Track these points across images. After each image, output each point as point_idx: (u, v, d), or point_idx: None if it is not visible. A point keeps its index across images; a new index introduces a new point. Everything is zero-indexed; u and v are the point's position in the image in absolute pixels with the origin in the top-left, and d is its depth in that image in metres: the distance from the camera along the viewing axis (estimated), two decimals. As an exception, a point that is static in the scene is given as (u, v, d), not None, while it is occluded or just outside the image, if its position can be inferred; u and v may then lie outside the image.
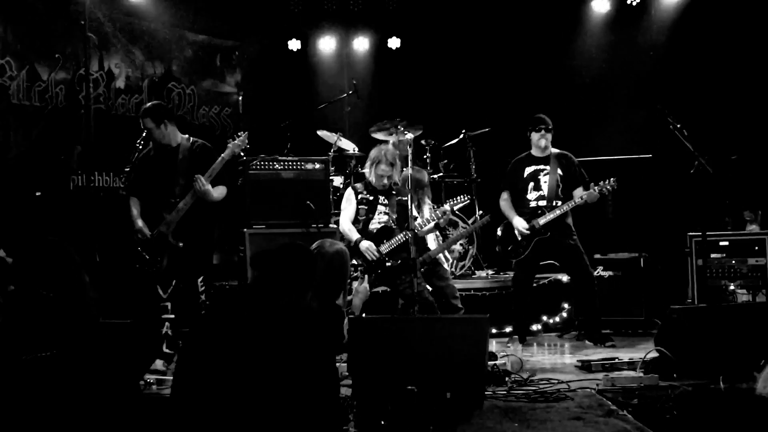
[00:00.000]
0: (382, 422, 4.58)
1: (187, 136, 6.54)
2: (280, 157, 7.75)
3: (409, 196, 6.49)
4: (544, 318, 8.10)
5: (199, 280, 6.33)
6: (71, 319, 3.46)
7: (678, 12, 9.79)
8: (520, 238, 7.18)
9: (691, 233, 7.64)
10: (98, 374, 3.41)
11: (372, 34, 11.22)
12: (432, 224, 6.84)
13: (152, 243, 6.25)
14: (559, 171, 7.20)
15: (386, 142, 7.70)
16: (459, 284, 8.16)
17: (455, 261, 8.91)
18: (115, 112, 8.98)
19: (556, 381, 5.57)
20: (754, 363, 4.80)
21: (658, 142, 7.78)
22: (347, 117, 10.61)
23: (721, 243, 7.57)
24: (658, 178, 6.93)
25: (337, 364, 4.64)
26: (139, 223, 6.31)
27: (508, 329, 7.85)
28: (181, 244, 6.23)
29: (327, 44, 11.25)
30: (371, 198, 6.86)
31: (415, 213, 6.78)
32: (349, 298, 5.32)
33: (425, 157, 9.20)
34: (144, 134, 6.33)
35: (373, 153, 6.86)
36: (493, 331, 7.60)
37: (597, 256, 7.83)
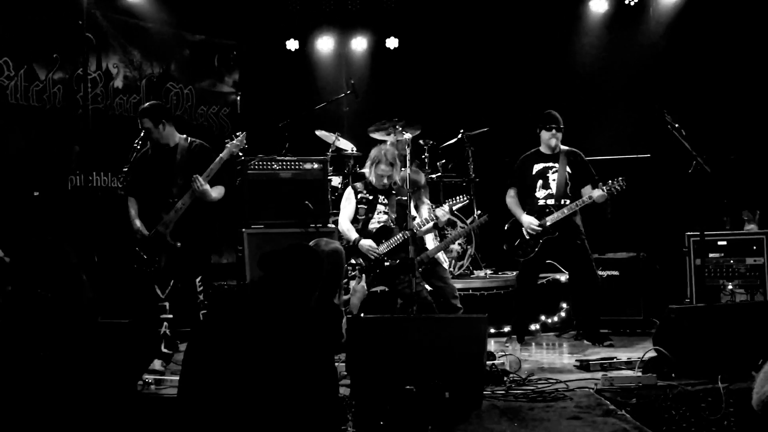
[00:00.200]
0: (381, 422, 4.58)
1: (185, 136, 6.53)
2: (278, 157, 7.75)
3: (408, 196, 6.49)
4: (543, 318, 8.09)
5: (198, 280, 6.33)
6: (68, 318, 3.46)
7: (676, 11, 9.79)
8: (527, 237, 7.13)
9: (689, 233, 7.64)
10: (96, 374, 3.40)
11: (370, 34, 11.21)
12: (431, 224, 6.84)
13: (150, 243, 6.25)
14: (568, 169, 7.15)
15: (384, 142, 7.70)
16: (457, 284, 8.15)
17: (453, 261, 8.91)
18: (113, 112, 8.97)
19: (554, 381, 5.57)
20: (752, 362, 4.80)
21: (656, 142, 7.79)
22: (345, 117, 10.61)
23: (720, 242, 7.57)
24: (657, 178, 6.93)
25: (336, 364, 4.64)
26: (137, 223, 6.31)
27: (506, 329, 7.86)
28: (179, 244, 6.23)
29: (325, 44, 11.24)
30: (371, 197, 6.85)
31: (414, 213, 6.78)
32: (346, 297, 5.32)
33: (423, 157, 9.20)
34: (142, 134, 6.33)
35: (373, 153, 6.85)
36: (492, 330, 7.60)
37: (595, 255, 7.82)
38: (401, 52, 11.02)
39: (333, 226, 7.72)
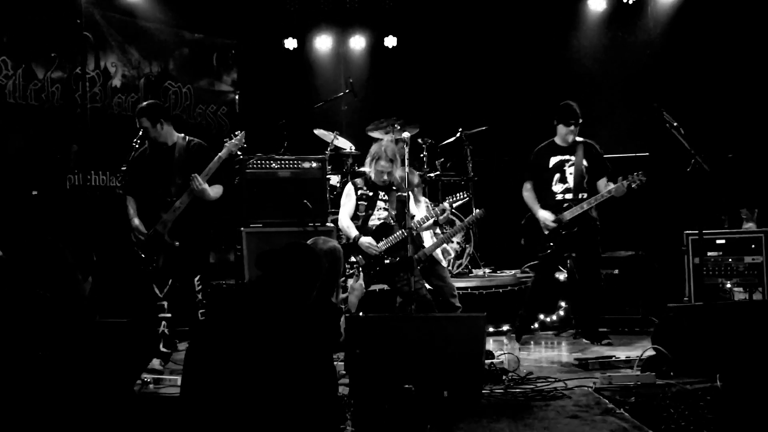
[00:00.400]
0: (380, 421, 4.58)
1: (183, 135, 6.53)
2: (276, 156, 7.74)
3: (407, 194, 6.46)
4: (541, 316, 8.09)
5: (196, 279, 6.32)
6: (64, 318, 3.46)
7: (674, 10, 9.79)
8: (546, 232, 7.05)
9: (687, 231, 7.64)
10: (94, 374, 3.40)
11: (368, 32, 11.21)
12: (431, 221, 6.80)
13: (149, 242, 6.25)
14: (585, 162, 7.07)
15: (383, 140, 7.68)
16: (456, 283, 8.15)
17: (452, 259, 8.91)
18: (111, 111, 8.96)
19: (553, 379, 5.57)
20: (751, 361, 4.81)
21: (654, 141, 7.79)
22: (344, 116, 10.61)
23: (718, 241, 7.57)
24: (655, 177, 6.92)
25: (335, 363, 4.64)
26: (136, 222, 6.31)
27: (505, 327, 7.87)
28: (177, 243, 6.22)
29: (323, 43, 11.24)
30: (371, 194, 6.82)
31: (413, 210, 6.77)
32: (344, 295, 5.32)
33: (422, 155, 9.20)
34: (140, 133, 6.33)
35: (373, 149, 6.82)
36: (490, 329, 7.60)
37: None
38: (400, 50, 11.02)
39: (332, 225, 7.71)
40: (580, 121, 7.06)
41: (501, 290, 8.11)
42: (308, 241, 4.97)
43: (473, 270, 9.19)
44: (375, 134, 8.83)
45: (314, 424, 3.51)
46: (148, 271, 6.27)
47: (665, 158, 6.89)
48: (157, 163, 6.35)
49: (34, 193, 8.00)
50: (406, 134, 6.57)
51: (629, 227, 8.24)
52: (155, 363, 6.04)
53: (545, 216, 7.02)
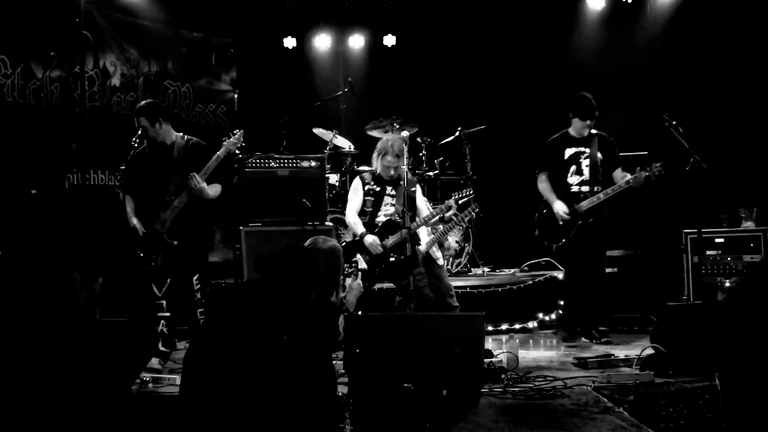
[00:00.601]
0: (379, 420, 4.59)
1: (181, 134, 6.52)
2: (275, 155, 7.75)
3: (404, 194, 6.43)
4: (540, 315, 8.10)
5: (195, 278, 6.33)
6: (61, 317, 3.45)
7: (673, 9, 9.78)
8: (561, 223, 6.98)
9: (686, 230, 7.65)
10: (92, 373, 3.40)
11: (367, 31, 11.20)
12: (437, 217, 6.69)
13: (147, 241, 6.25)
14: (599, 154, 7.01)
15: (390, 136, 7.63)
16: (455, 282, 8.16)
17: (451, 258, 8.91)
18: (110, 110, 8.95)
19: (552, 378, 5.58)
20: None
21: (653, 139, 7.79)
22: (343, 115, 10.62)
23: (717, 240, 7.58)
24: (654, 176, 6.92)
25: (334, 362, 4.64)
26: (134, 221, 6.31)
27: (504, 326, 7.87)
28: (176, 243, 6.22)
29: (322, 42, 11.24)
30: (378, 189, 6.73)
31: (421, 206, 6.73)
32: (343, 294, 5.31)
33: (421, 154, 9.20)
34: (139, 132, 6.33)
35: (380, 144, 6.75)
36: (489, 328, 7.60)
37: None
38: (399, 49, 11.01)
39: (330, 224, 7.73)
40: (596, 114, 7.01)
41: (500, 289, 8.11)
42: (308, 241, 4.97)
43: (472, 269, 9.19)
44: (374, 133, 8.84)
45: (314, 423, 3.51)
46: (146, 270, 6.27)
47: (664, 157, 6.88)
48: (156, 162, 6.35)
49: (33, 192, 7.99)
50: (405, 133, 6.56)
51: (628, 226, 8.23)
52: (154, 362, 6.04)
53: (561, 207, 6.95)
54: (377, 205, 6.71)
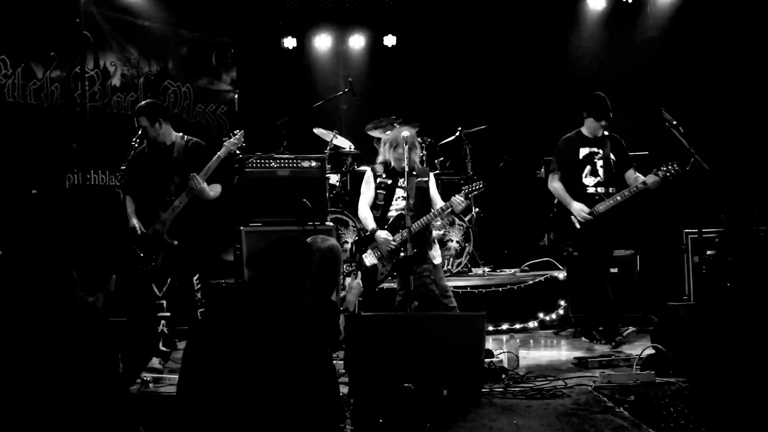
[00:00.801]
0: (379, 420, 4.58)
1: (181, 134, 6.52)
2: (276, 155, 7.76)
3: (408, 194, 6.37)
4: (541, 315, 8.10)
5: (195, 278, 6.33)
6: (60, 317, 3.45)
7: (673, 9, 9.79)
8: (578, 225, 6.85)
9: (687, 230, 7.64)
10: (93, 372, 3.40)
11: (368, 31, 11.21)
12: (448, 210, 6.59)
13: (147, 241, 6.25)
14: (612, 155, 6.91)
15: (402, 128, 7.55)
16: (456, 281, 8.17)
17: (452, 258, 8.91)
18: (110, 110, 8.96)
19: (552, 378, 5.58)
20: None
21: (654, 139, 7.78)
22: (343, 115, 10.62)
23: (717, 240, 7.57)
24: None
25: (335, 362, 4.64)
26: (134, 221, 6.31)
27: (504, 326, 7.87)
28: (176, 243, 6.22)
29: (322, 42, 11.24)
30: (390, 182, 6.62)
31: (435, 198, 6.66)
32: (342, 294, 5.30)
33: (421, 154, 9.19)
34: (139, 132, 6.33)
35: (391, 135, 6.67)
36: (490, 328, 7.60)
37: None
38: (399, 49, 11.01)
39: (331, 224, 7.73)
40: (611, 116, 6.90)
41: (500, 289, 8.10)
42: (307, 240, 4.97)
43: (473, 269, 9.19)
44: (374, 133, 8.84)
45: (315, 423, 3.51)
46: (147, 270, 6.27)
47: (665, 157, 6.88)
48: (156, 162, 6.35)
49: (34, 192, 8.00)
50: (405, 133, 6.52)
51: (628, 226, 8.23)
52: (155, 362, 6.04)
53: (581, 208, 6.80)
54: (389, 198, 6.61)
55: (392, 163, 6.62)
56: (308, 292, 4.55)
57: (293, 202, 7.41)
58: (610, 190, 6.86)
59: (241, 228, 7.46)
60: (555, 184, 7.03)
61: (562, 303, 8.08)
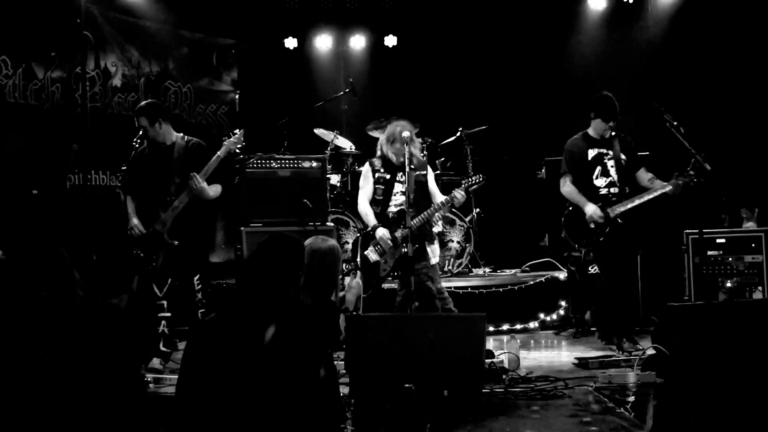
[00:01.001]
0: (380, 420, 4.58)
1: (181, 134, 6.53)
2: (276, 156, 7.75)
3: (408, 195, 6.35)
4: (541, 315, 8.10)
5: (196, 278, 6.33)
6: (60, 317, 3.46)
7: (674, 9, 9.79)
8: (593, 227, 6.69)
9: (687, 230, 7.64)
10: (94, 372, 3.40)
11: (368, 32, 11.21)
12: (448, 205, 6.55)
13: (148, 241, 6.25)
14: (623, 155, 6.76)
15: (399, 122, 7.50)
16: (456, 282, 8.18)
17: (452, 258, 8.91)
18: (111, 111, 8.96)
19: (553, 378, 5.58)
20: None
21: (654, 140, 7.78)
22: (344, 115, 10.61)
23: (718, 240, 7.56)
24: (656, 176, 6.90)
25: (335, 363, 4.64)
26: (135, 221, 6.31)
27: (505, 327, 7.87)
28: (176, 243, 6.22)
29: (323, 42, 11.24)
30: (388, 177, 6.59)
31: (434, 191, 6.61)
32: (342, 293, 5.29)
33: (422, 155, 9.19)
34: (140, 132, 6.34)
35: (388, 130, 6.63)
36: (491, 329, 7.60)
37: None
38: (400, 50, 11.01)
39: (332, 224, 7.72)
40: (619, 117, 6.78)
41: (501, 289, 8.10)
42: (306, 241, 4.96)
43: (473, 269, 9.19)
44: (375, 134, 8.83)
45: (316, 424, 3.50)
46: (147, 270, 6.27)
47: (665, 157, 6.87)
48: (156, 162, 6.36)
49: (35, 192, 8.00)
50: (406, 133, 6.51)
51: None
52: (155, 362, 6.05)
53: (595, 210, 6.64)
54: (388, 194, 6.57)
55: (391, 158, 6.59)
56: (307, 292, 4.57)
57: (294, 203, 7.41)
58: (626, 189, 6.72)
59: (242, 228, 7.46)
60: (567, 188, 6.86)
61: (563, 303, 8.09)
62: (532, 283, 8.23)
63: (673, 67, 9.53)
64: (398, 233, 6.41)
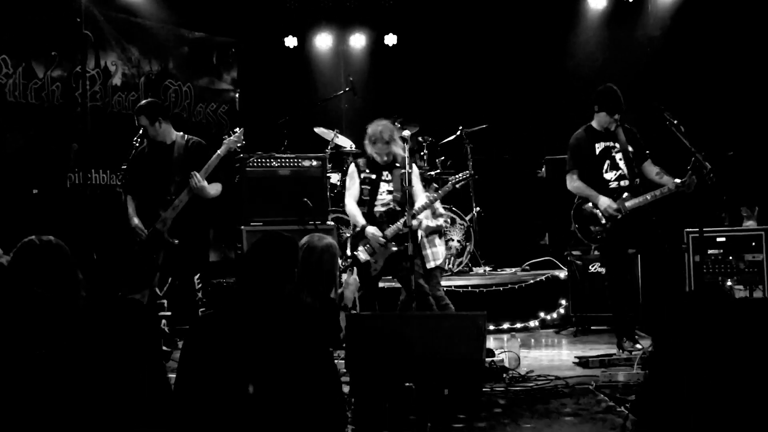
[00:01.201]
0: (380, 420, 4.58)
1: (181, 133, 6.53)
2: (276, 155, 7.75)
3: (407, 192, 6.33)
4: (542, 314, 8.10)
5: (196, 277, 6.33)
6: (62, 317, 3.46)
7: (674, 7, 9.79)
8: (604, 221, 6.53)
9: (688, 229, 7.64)
10: (95, 371, 3.40)
11: (368, 30, 11.20)
12: (434, 201, 6.52)
13: (148, 240, 6.25)
14: (630, 147, 6.64)
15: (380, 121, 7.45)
16: (456, 281, 8.18)
17: (452, 257, 8.91)
18: (111, 110, 8.96)
19: (553, 377, 5.58)
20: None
21: (655, 139, 7.78)
22: (344, 114, 10.62)
23: (718, 239, 7.57)
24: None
25: (336, 362, 4.64)
26: (135, 220, 6.32)
27: (505, 325, 7.87)
28: (176, 242, 6.23)
29: (323, 41, 11.23)
30: (374, 177, 6.54)
31: (418, 192, 6.58)
32: (340, 290, 5.29)
33: (422, 154, 9.20)
34: (141, 132, 6.34)
35: (369, 129, 6.55)
36: (491, 327, 7.61)
37: (595, 252, 7.83)
38: (400, 48, 11.01)
39: (332, 223, 7.72)
40: (624, 108, 6.67)
41: (501, 288, 8.11)
42: (303, 239, 4.96)
43: (473, 268, 9.19)
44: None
45: (322, 421, 3.49)
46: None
47: (666, 156, 6.87)
48: (156, 161, 6.36)
49: (35, 191, 8.00)
50: (406, 132, 6.49)
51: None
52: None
53: (610, 204, 6.49)
54: (374, 193, 6.52)
55: (375, 158, 6.55)
56: (306, 290, 4.57)
57: (294, 202, 7.41)
58: (636, 180, 6.58)
59: (242, 227, 7.46)
60: (575, 183, 6.69)
61: (563, 302, 8.09)
62: (532, 281, 8.24)
63: (673, 66, 9.53)
64: (388, 231, 6.38)
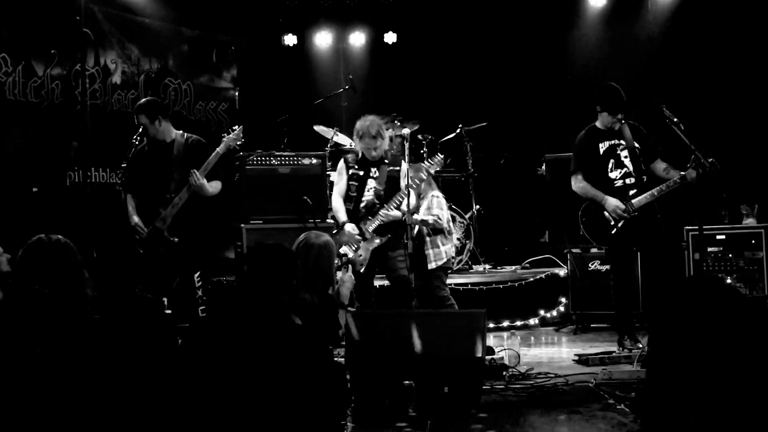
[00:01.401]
0: (380, 417, 4.59)
1: (181, 131, 6.53)
2: (276, 153, 7.75)
3: (408, 191, 6.29)
4: (541, 312, 8.11)
5: (196, 275, 6.33)
6: (67, 316, 3.46)
7: (674, 5, 9.77)
8: (612, 222, 6.49)
9: (687, 227, 7.64)
10: (95, 371, 3.40)
11: (368, 28, 11.19)
12: (408, 194, 6.44)
13: (148, 238, 6.25)
14: (636, 144, 6.56)
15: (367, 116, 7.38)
16: (456, 279, 8.18)
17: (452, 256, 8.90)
18: (111, 108, 8.96)
19: (553, 375, 5.58)
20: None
21: (655, 137, 7.79)
22: (344, 112, 10.60)
23: (718, 237, 7.57)
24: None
25: (336, 359, 4.64)
26: (135, 219, 6.32)
27: (505, 323, 7.87)
28: (176, 240, 6.23)
29: (323, 39, 11.22)
30: (362, 173, 6.46)
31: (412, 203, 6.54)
32: (336, 287, 5.28)
33: (422, 152, 9.19)
34: (140, 130, 6.34)
35: (357, 125, 6.49)
36: (491, 325, 7.61)
37: (594, 250, 7.83)
38: (399, 46, 11.00)
39: (332, 221, 7.71)
40: (626, 107, 6.61)
41: (501, 286, 8.12)
42: (300, 236, 4.97)
43: (473, 266, 9.19)
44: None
45: (326, 418, 3.48)
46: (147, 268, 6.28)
47: (665, 154, 6.86)
48: (156, 159, 6.36)
49: (35, 190, 8.00)
50: (406, 130, 6.48)
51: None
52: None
53: (615, 203, 6.44)
54: (361, 190, 6.44)
55: (362, 153, 6.48)
56: (305, 288, 4.57)
57: (294, 200, 7.41)
58: (643, 179, 6.53)
59: (242, 225, 7.46)
60: (580, 184, 6.65)
61: (563, 300, 8.09)
62: (532, 279, 8.25)
63: (673, 64, 9.52)
64: (368, 226, 6.30)
